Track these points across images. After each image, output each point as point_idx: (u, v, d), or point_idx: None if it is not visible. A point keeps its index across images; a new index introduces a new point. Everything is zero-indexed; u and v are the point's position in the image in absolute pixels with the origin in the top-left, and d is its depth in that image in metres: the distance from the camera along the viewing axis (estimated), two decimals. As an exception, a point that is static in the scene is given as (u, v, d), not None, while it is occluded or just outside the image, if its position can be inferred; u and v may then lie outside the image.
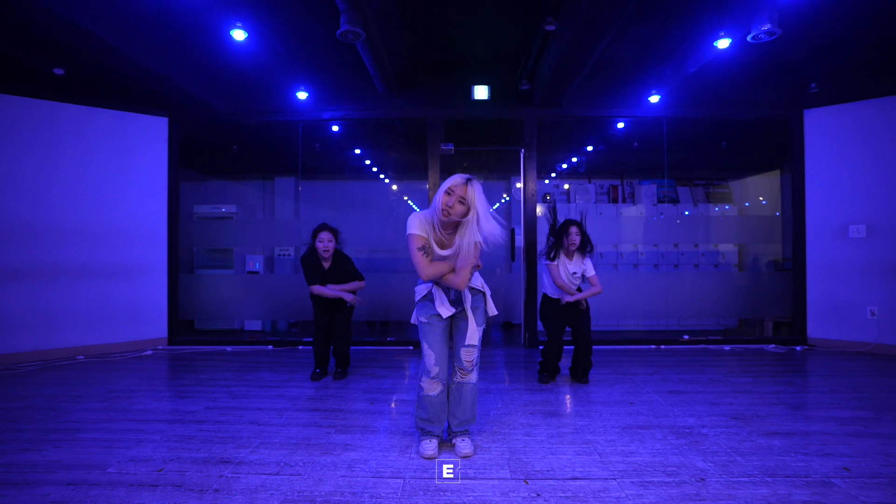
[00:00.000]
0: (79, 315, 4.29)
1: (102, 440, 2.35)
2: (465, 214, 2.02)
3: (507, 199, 6.85)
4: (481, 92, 4.66)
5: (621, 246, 5.95)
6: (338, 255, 3.53)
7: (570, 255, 3.36)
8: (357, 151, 6.37)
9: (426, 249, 2.08)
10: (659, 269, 5.99)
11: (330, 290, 3.41)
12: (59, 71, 3.86)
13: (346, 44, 3.48)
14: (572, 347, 3.47)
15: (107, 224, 4.43)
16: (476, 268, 2.15)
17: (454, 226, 2.09)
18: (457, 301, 2.19)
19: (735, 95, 4.66)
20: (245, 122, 4.90)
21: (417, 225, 2.08)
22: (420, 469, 2.04)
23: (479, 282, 2.23)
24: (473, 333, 2.17)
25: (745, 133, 5.50)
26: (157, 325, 4.67)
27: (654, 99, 4.60)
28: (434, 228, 2.10)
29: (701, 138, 5.75)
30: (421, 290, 2.23)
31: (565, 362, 3.60)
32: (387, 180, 6.95)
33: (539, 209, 4.84)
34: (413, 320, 2.31)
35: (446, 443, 2.26)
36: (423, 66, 4.77)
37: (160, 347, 4.64)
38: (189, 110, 4.73)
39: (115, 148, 4.48)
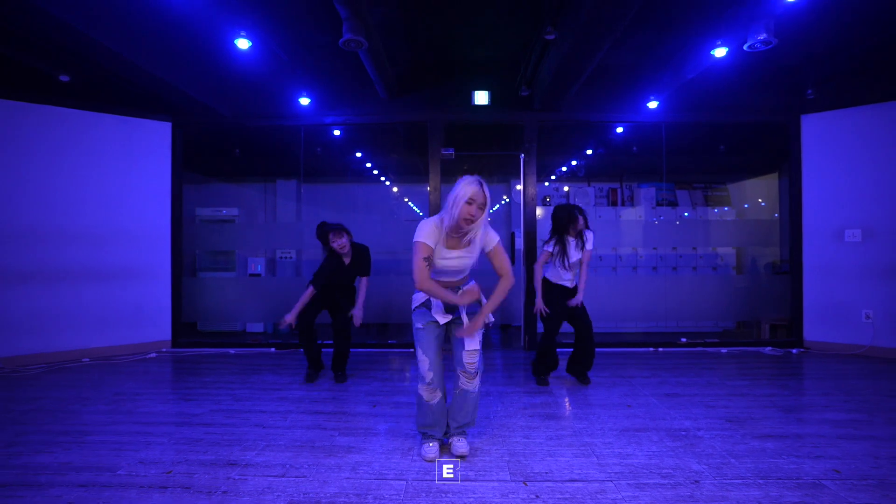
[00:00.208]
0: (83, 317, 4.35)
1: (111, 442, 2.40)
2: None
3: (507, 201, 6.90)
4: (481, 97, 4.71)
5: (620, 249, 6.01)
6: (356, 248, 3.52)
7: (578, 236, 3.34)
8: (358, 155, 6.43)
9: (429, 260, 2.12)
10: (657, 272, 6.05)
11: (300, 301, 3.41)
12: (64, 77, 3.91)
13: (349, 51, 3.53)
14: (570, 349, 3.52)
15: (110, 227, 4.48)
16: (478, 303, 2.25)
17: (472, 230, 2.11)
18: (453, 308, 2.24)
19: (733, 101, 4.72)
20: (248, 127, 4.95)
21: (427, 234, 2.09)
22: (422, 471, 2.09)
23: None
24: (472, 338, 2.22)
25: (742, 137, 5.56)
26: (160, 328, 4.73)
27: (653, 104, 4.66)
28: (443, 233, 2.12)
29: (699, 142, 5.81)
30: (418, 298, 2.27)
31: (562, 359, 3.62)
32: (388, 183, 7.01)
33: (539, 211, 4.89)
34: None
35: (447, 446, 2.31)
36: (424, 71, 4.82)
37: (164, 350, 4.70)
38: (192, 115, 4.78)
39: (118, 152, 4.53)
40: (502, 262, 2.21)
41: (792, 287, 4.75)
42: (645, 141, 5.45)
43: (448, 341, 2.31)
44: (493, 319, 2.33)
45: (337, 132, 5.30)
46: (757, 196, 6.68)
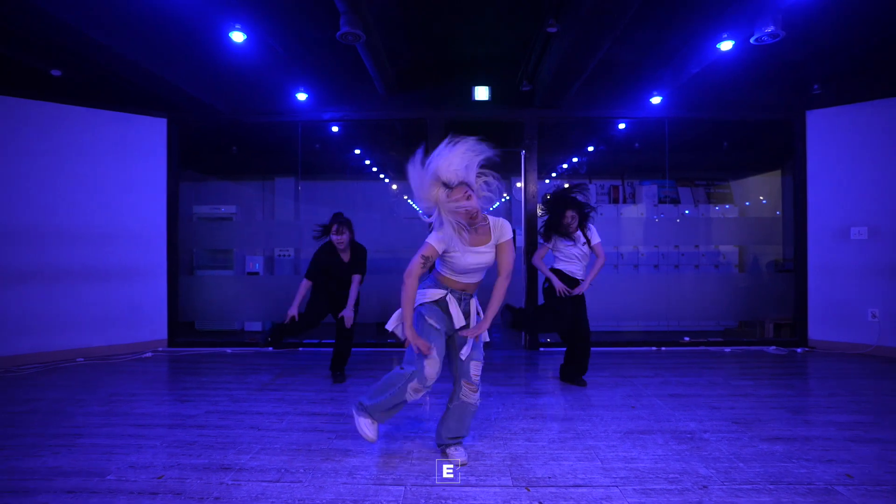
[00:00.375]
0: (79, 317, 4.28)
1: (103, 446, 2.34)
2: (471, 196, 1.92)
3: (508, 198, 6.84)
4: (482, 93, 4.64)
5: (621, 247, 5.94)
6: (354, 247, 3.50)
7: (570, 237, 3.23)
8: (357, 152, 6.36)
9: (428, 261, 2.03)
10: (659, 270, 5.99)
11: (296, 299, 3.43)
12: (56, 72, 3.84)
13: (346, 45, 3.46)
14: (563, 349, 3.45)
15: (106, 225, 4.41)
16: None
17: (478, 216, 1.99)
18: (466, 314, 2.15)
19: (737, 97, 4.65)
20: (244, 123, 4.89)
21: (440, 239, 1.98)
22: (422, 475, 2.03)
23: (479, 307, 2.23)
24: (478, 347, 2.16)
25: (746, 133, 5.49)
26: (157, 327, 4.66)
27: (656, 100, 4.59)
28: (459, 233, 1.98)
29: (702, 139, 5.74)
30: (433, 294, 2.12)
31: (557, 363, 3.55)
32: (387, 180, 6.94)
33: (540, 210, 4.82)
34: (393, 328, 2.15)
35: (437, 452, 2.23)
36: (423, 67, 4.75)
37: (160, 349, 4.64)
38: (188, 111, 4.71)
39: (114, 149, 4.46)
40: (508, 258, 2.11)
41: (796, 285, 4.69)
42: (647, 137, 5.39)
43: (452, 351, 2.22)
44: (488, 339, 2.25)
45: (335, 129, 5.23)
46: (760, 193, 6.61)
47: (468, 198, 1.92)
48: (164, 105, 4.63)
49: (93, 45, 3.37)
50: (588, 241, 3.30)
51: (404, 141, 5.77)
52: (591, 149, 6.29)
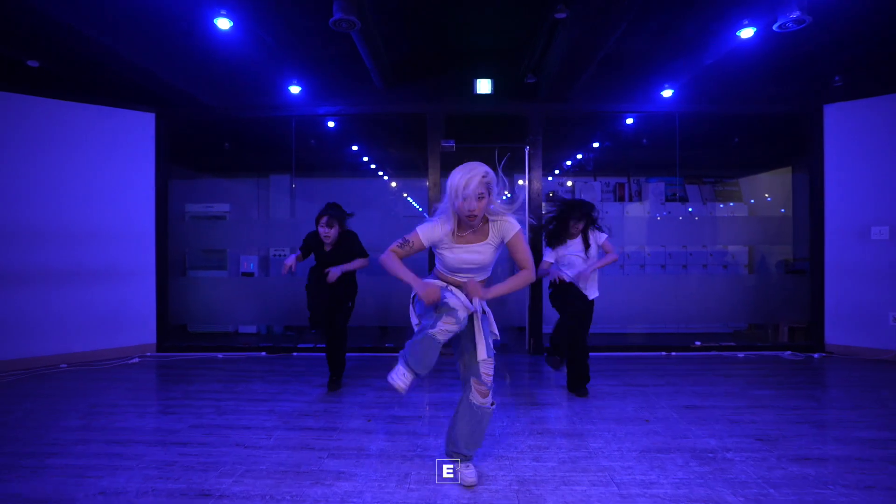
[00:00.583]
0: (62, 321, 4.09)
1: (74, 467, 2.15)
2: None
3: (509, 196, 6.63)
4: (484, 86, 4.43)
5: (627, 246, 5.74)
6: (342, 237, 3.30)
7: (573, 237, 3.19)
8: (354, 148, 6.14)
9: (408, 248, 1.97)
10: (666, 270, 5.79)
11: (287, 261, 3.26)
12: (33, 63, 3.63)
13: (341, 34, 3.25)
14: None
15: (90, 224, 4.22)
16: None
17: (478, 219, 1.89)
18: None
19: (751, 90, 4.43)
20: (236, 118, 4.68)
21: (424, 230, 1.95)
22: (421, 502, 1.85)
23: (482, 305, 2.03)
24: (486, 345, 1.98)
25: (757, 128, 5.27)
26: (144, 331, 4.47)
27: (668, 93, 4.38)
28: (451, 228, 1.93)
29: (713, 134, 5.51)
30: (435, 283, 1.99)
31: (562, 368, 3.35)
32: (386, 177, 6.73)
33: (543, 207, 4.63)
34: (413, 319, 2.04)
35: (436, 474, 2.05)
36: (422, 59, 4.52)
37: (148, 354, 4.45)
38: (177, 105, 4.51)
39: (98, 145, 4.26)
40: (524, 253, 1.95)
41: (812, 287, 4.49)
42: (656, 133, 5.16)
43: (449, 345, 2.04)
44: (498, 336, 2.08)
45: (331, 124, 5.02)
46: (768, 191, 6.39)
47: (480, 198, 1.84)
48: (152, 99, 4.42)
49: (73, 35, 3.16)
50: (587, 248, 3.14)
51: (403, 136, 5.55)
52: (596, 145, 6.06)
